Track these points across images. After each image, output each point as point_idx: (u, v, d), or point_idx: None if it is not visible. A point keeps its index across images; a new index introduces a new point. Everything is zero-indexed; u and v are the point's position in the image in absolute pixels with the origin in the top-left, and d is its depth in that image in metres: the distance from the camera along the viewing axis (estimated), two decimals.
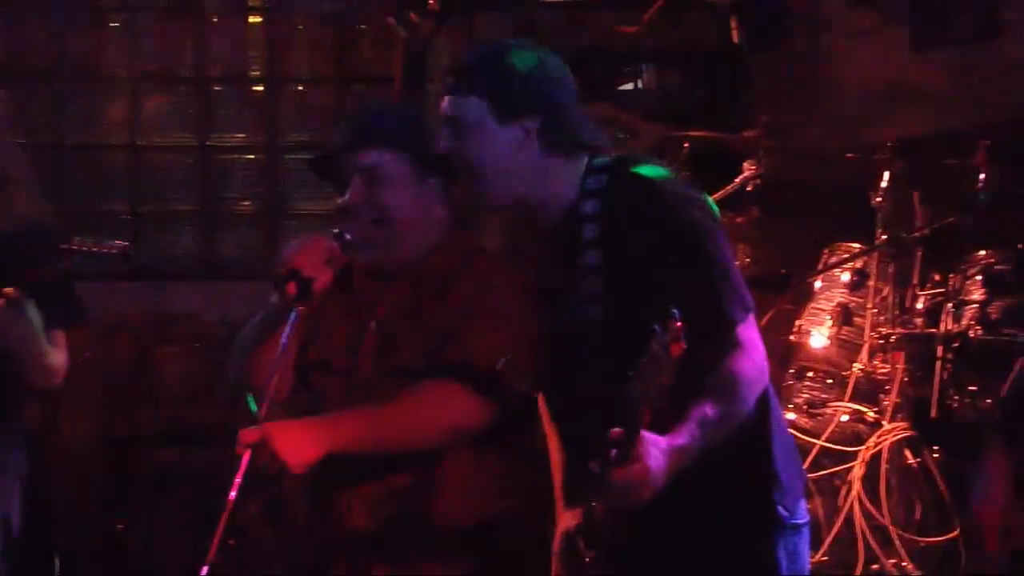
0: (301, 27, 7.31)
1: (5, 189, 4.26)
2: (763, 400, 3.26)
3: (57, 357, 4.29)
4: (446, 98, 3.30)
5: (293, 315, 3.17)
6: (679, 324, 2.79)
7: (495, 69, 3.28)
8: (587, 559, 3.16)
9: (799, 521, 3.34)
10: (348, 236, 3.37)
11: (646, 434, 2.90)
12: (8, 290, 3.99)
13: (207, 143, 7.25)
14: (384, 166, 3.46)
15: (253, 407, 3.13)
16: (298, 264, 3.26)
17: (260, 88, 7.31)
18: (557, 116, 3.27)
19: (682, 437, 2.99)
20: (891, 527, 4.87)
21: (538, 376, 3.46)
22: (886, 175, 5.26)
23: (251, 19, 7.31)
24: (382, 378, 3.46)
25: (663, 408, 2.90)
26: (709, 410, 3.04)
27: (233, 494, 2.97)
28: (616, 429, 2.91)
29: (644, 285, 3.03)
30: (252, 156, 7.30)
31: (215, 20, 7.29)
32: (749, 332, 3.18)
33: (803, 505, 3.39)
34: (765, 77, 6.28)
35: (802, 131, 6.42)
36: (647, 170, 3.24)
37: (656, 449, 2.92)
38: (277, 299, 3.24)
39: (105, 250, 4.04)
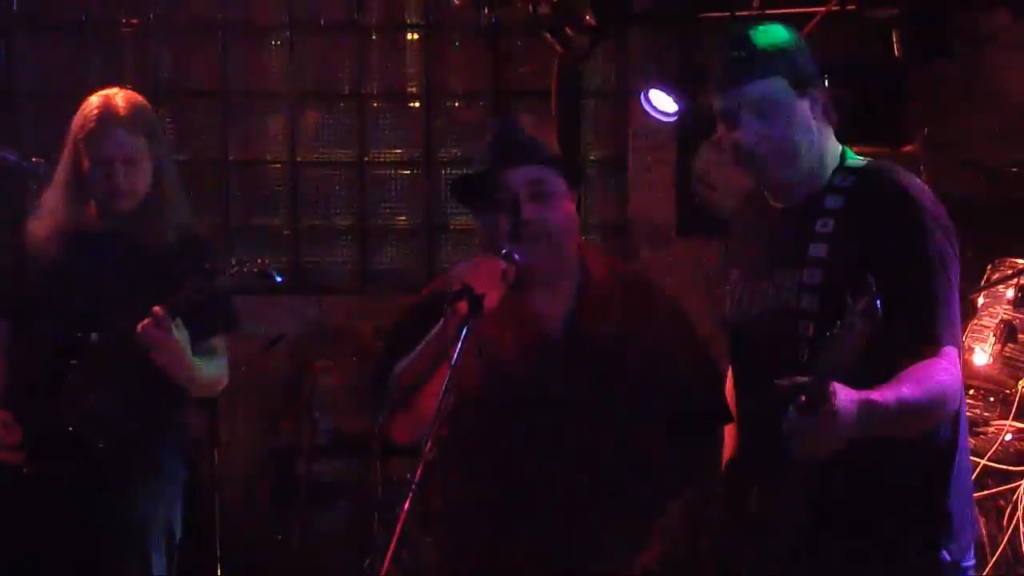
0: (457, 43, 7.36)
1: (161, 206, 4.35)
2: (951, 441, 3.26)
3: (213, 367, 4.36)
4: (740, 87, 3.29)
5: (464, 331, 3.20)
6: (875, 293, 2.78)
7: (782, 45, 3.30)
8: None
9: (965, 564, 3.29)
10: (517, 256, 3.40)
11: (835, 384, 2.89)
12: (157, 310, 4.07)
13: (364, 158, 7.33)
14: (550, 181, 3.50)
15: None
16: (469, 282, 3.30)
17: (416, 104, 7.37)
18: (825, 87, 3.33)
19: (878, 395, 2.98)
20: None
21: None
22: None
23: (408, 36, 7.38)
24: (592, 404, 3.53)
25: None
26: (907, 389, 3.03)
27: (406, 505, 2.99)
28: (803, 378, 2.91)
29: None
30: (408, 171, 7.37)
31: (373, 38, 7.38)
32: (953, 357, 3.16)
33: (971, 550, 3.34)
34: (927, 90, 6.19)
35: (964, 145, 6.32)
36: (906, 181, 3.27)
37: (845, 396, 2.90)
38: (447, 317, 3.27)
39: (246, 270, 4.11)
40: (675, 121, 6.34)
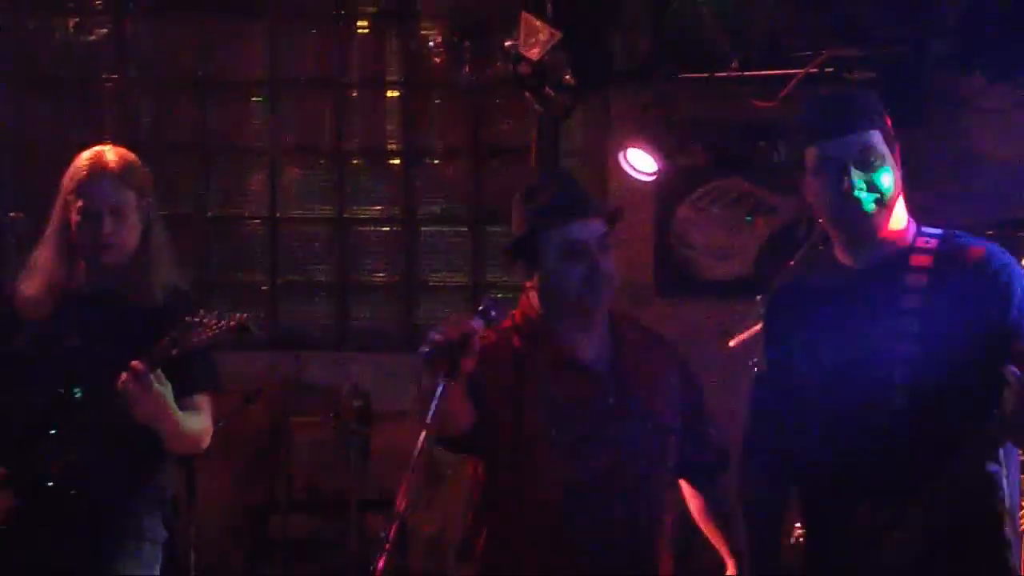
0: (438, 101, 7.40)
1: (149, 264, 4.34)
2: None
3: (197, 422, 4.33)
4: (844, 138, 3.43)
5: (440, 389, 3.22)
6: None
7: (876, 105, 3.49)
8: None
9: None
10: (493, 312, 3.45)
11: None
12: (135, 364, 4.05)
13: (344, 215, 7.34)
14: (608, 234, 3.69)
15: None
16: (447, 340, 3.32)
17: (397, 161, 7.40)
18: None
19: None
20: None
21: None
22: None
23: (389, 94, 7.42)
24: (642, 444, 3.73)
25: None
26: None
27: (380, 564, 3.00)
28: None
29: (964, 334, 3.32)
30: (388, 228, 7.38)
31: (354, 95, 7.41)
32: None
33: None
34: (902, 154, 6.23)
35: (941, 208, 6.34)
36: (984, 242, 3.52)
37: None
38: (425, 376, 3.28)
39: (224, 323, 4.09)
40: (654, 180, 6.37)
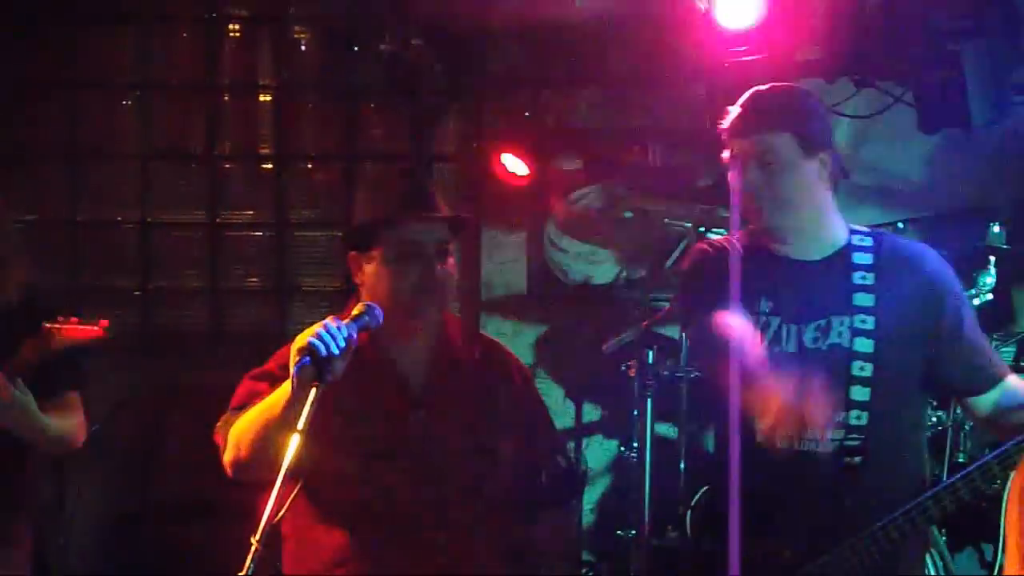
0: (310, 105, 7.37)
1: (3, 266, 4.27)
2: None
3: (67, 424, 4.28)
4: (749, 138, 3.53)
5: (312, 394, 3.17)
6: None
7: (800, 107, 3.59)
8: None
9: None
10: (367, 318, 3.40)
11: None
12: None
13: (217, 220, 7.29)
14: (449, 242, 3.59)
15: None
16: (314, 345, 3.26)
17: (269, 165, 7.35)
18: (836, 152, 3.61)
19: None
20: None
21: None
22: None
23: (261, 97, 7.37)
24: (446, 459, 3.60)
25: None
26: None
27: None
28: None
29: (910, 332, 3.56)
30: (261, 233, 7.33)
31: (226, 98, 7.36)
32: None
33: None
34: None
35: None
36: (918, 243, 3.73)
37: None
38: (294, 380, 3.24)
39: (83, 328, 4.04)
40: (527, 185, 6.42)
